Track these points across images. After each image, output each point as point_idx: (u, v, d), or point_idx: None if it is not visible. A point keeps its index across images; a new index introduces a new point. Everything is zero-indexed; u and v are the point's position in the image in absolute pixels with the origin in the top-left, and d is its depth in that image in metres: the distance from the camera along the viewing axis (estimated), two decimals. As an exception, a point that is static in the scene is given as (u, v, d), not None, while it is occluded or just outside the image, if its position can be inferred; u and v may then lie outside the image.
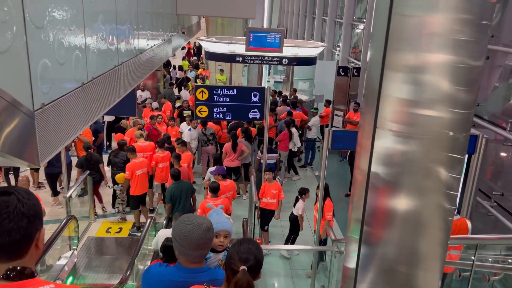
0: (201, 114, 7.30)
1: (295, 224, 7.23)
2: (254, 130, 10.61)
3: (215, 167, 7.57)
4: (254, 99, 7.33)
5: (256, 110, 7.37)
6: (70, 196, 7.12)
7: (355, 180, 2.35)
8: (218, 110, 7.27)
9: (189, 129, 10.17)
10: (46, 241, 5.68)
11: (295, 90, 14.69)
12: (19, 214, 1.30)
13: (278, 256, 7.39)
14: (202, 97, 7.19)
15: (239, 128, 10.02)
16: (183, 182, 6.98)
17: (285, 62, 14.04)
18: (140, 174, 7.83)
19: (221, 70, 18.42)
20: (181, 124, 10.67)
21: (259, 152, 9.49)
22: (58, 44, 3.26)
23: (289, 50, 13.77)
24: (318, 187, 6.92)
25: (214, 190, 6.41)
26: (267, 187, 7.44)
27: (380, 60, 2.03)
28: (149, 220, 6.97)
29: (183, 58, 26.06)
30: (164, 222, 7.03)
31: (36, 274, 1.36)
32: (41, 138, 3.10)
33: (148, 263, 6.08)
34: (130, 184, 7.84)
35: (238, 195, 9.80)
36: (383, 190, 2.16)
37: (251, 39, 12.71)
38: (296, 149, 10.87)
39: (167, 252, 3.58)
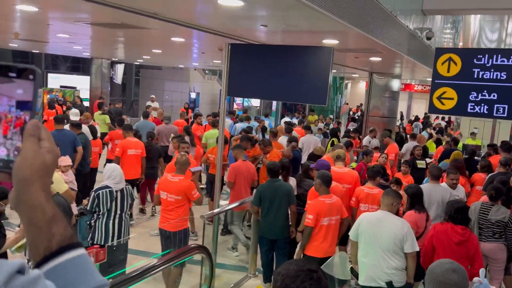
0: (442, 104, 3.87)
1: None
2: None
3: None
4: None
5: None
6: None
7: None
8: (479, 97, 3.70)
9: None
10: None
11: None
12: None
13: None
14: (448, 72, 3.81)
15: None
16: (282, 184, 5.00)
17: None
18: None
19: (473, 134, 13.29)
20: None
21: None
22: None
23: None
24: None
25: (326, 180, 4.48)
26: None
27: None
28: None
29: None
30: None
31: None
32: None
33: None
34: None
35: None
36: None
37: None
38: None
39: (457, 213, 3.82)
